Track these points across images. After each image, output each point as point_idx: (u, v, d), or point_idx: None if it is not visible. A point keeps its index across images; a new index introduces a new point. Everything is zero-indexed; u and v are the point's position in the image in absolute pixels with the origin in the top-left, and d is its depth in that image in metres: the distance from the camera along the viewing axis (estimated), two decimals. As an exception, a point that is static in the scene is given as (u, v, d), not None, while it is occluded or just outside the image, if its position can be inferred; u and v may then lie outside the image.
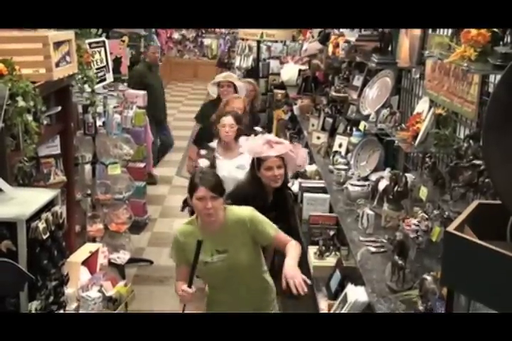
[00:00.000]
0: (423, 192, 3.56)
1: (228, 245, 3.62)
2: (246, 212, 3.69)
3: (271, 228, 3.66)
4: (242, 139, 5.12)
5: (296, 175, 6.08)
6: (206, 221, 3.61)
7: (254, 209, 3.73)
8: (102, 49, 5.12)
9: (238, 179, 4.72)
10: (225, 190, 3.68)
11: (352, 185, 4.82)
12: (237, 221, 3.63)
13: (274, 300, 3.92)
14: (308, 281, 3.22)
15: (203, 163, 5.24)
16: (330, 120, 6.67)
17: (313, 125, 7.06)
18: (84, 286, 4.14)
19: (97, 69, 4.93)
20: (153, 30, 10.31)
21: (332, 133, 6.42)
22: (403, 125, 4.13)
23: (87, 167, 5.51)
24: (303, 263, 4.14)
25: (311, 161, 6.36)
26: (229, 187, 4.42)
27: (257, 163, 4.37)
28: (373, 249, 3.91)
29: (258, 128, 6.30)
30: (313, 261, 4.77)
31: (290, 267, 3.27)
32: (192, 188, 3.57)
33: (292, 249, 3.50)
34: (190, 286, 3.48)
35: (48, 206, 3.30)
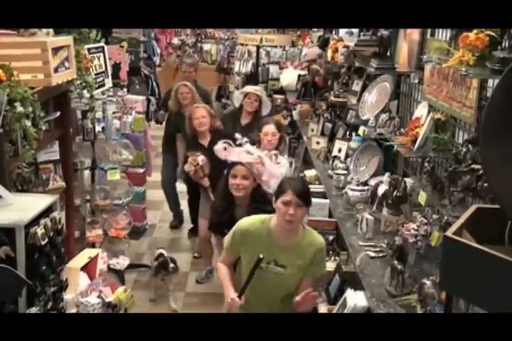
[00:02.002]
0: (422, 197, 3.56)
1: (289, 263, 3.55)
2: (321, 241, 3.66)
3: (324, 269, 3.73)
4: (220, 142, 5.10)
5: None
6: (283, 227, 3.51)
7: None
8: (101, 54, 5.12)
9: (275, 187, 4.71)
10: (311, 201, 3.60)
11: (351, 189, 4.82)
12: (310, 245, 3.58)
13: None
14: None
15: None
16: (329, 125, 6.66)
17: (312, 130, 7.06)
18: (84, 292, 4.14)
19: (95, 74, 4.93)
20: (153, 35, 10.30)
21: (331, 138, 6.42)
22: (402, 130, 4.13)
23: (86, 172, 5.52)
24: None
25: (311, 166, 6.36)
26: None
27: (228, 170, 4.38)
28: (372, 254, 3.91)
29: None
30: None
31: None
32: (279, 191, 3.50)
33: None
34: (240, 297, 3.48)
35: (47, 212, 3.30)
